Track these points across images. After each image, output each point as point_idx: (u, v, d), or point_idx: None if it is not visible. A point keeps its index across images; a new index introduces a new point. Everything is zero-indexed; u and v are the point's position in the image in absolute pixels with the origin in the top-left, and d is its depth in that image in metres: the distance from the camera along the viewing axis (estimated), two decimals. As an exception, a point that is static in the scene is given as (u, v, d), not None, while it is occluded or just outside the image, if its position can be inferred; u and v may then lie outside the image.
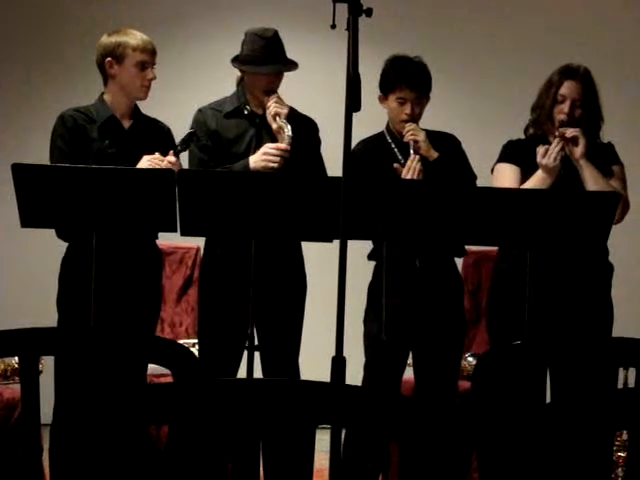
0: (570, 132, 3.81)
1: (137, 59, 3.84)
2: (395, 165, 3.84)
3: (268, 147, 3.81)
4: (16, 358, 3.85)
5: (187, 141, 3.83)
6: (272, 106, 3.83)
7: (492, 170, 3.99)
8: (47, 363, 3.47)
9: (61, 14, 5.97)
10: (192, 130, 3.86)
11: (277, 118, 3.82)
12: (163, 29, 5.64)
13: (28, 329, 2.14)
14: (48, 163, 3.81)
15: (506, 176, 3.90)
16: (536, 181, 3.81)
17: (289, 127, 3.78)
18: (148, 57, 3.85)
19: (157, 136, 3.89)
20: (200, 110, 3.99)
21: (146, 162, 3.76)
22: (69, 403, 3.67)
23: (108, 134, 3.85)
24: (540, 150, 3.80)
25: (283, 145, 3.78)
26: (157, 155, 3.76)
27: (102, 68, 3.90)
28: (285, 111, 3.84)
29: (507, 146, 3.99)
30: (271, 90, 3.88)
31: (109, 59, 3.86)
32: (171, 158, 3.78)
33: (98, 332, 2.45)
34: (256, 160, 3.81)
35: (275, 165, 3.77)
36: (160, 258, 4.02)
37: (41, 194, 3.48)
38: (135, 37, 3.86)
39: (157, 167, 3.72)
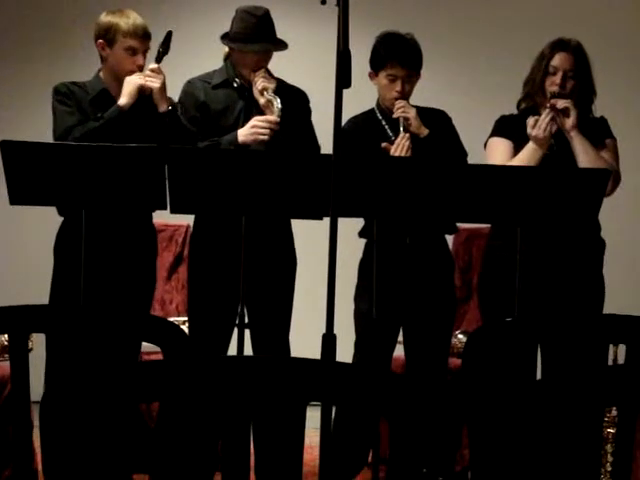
0: (561, 103, 3.80)
1: (127, 44, 3.80)
2: (383, 144, 3.82)
3: (257, 120, 3.79)
4: (6, 336, 3.84)
5: (166, 42, 3.84)
6: (259, 81, 3.81)
7: (485, 145, 3.98)
8: (37, 340, 3.46)
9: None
10: (169, 30, 3.84)
11: (265, 92, 3.80)
12: (152, 4, 5.61)
13: (17, 306, 2.13)
14: (37, 140, 3.78)
15: (499, 150, 3.90)
16: (527, 153, 3.80)
17: (278, 100, 3.77)
18: (138, 43, 3.81)
19: (150, 112, 3.86)
20: (189, 81, 3.97)
21: (127, 86, 3.77)
22: (60, 380, 3.67)
23: (100, 107, 3.83)
24: (530, 121, 3.79)
25: (272, 117, 3.77)
26: (136, 74, 3.79)
27: (97, 47, 3.88)
28: (273, 85, 3.82)
29: (500, 121, 3.98)
30: (259, 68, 3.86)
31: (101, 41, 3.84)
32: (152, 66, 3.81)
33: (88, 310, 2.44)
34: (245, 133, 3.79)
35: (265, 138, 3.76)
36: (155, 237, 4.01)
37: (30, 171, 3.46)
38: (127, 21, 3.81)
39: (140, 81, 3.76)
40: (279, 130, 3.76)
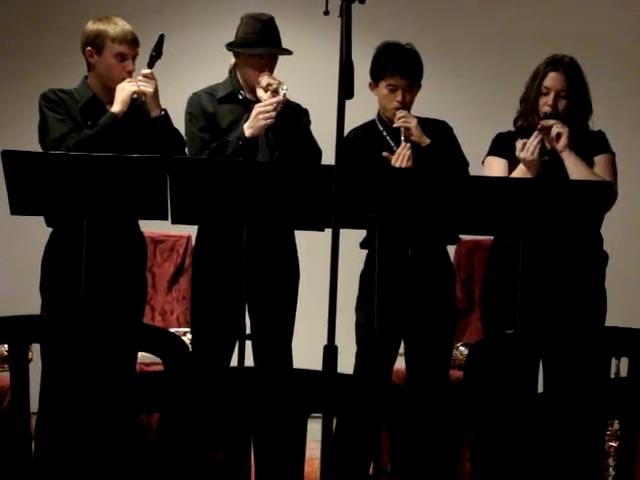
0: (554, 130, 3.79)
1: (116, 50, 3.78)
2: (384, 154, 3.82)
3: (259, 106, 3.77)
4: (6, 346, 3.83)
5: (158, 45, 3.81)
6: (263, 79, 3.80)
7: (483, 162, 3.99)
8: (37, 351, 3.46)
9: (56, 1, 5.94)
10: (161, 34, 3.81)
11: (269, 87, 3.77)
12: (157, 16, 5.63)
13: (17, 316, 2.12)
14: (39, 150, 3.78)
15: (494, 169, 3.91)
16: (517, 175, 3.80)
17: (284, 85, 3.75)
18: (127, 48, 3.79)
19: (141, 119, 3.85)
20: (195, 93, 3.97)
21: (120, 93, 3.74)
22: (58, 391, 3.65)
23: (91, 114, 3.81)
24: (518, 144, 3.79)
25: (274, 99, 3.75)
26: (128, 80, 3.76)
27: (84, 55, 3.87)
28: (276, 81, 3.79)
29: (496, 139, 3.99)
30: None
31: (89, 48, 3.82)
32: (145, 71, 3.78)
33: (89, 320, 2.44)
34: (250, 125, 3.77)
35: (270, 122, 3.74)
36: (144, 243, 3.98)
37: (31, 181, 3.45)
38: (115, 27, 3.79)
39: (133, 88, 3.73)
40: (282, 122, 3.74)
